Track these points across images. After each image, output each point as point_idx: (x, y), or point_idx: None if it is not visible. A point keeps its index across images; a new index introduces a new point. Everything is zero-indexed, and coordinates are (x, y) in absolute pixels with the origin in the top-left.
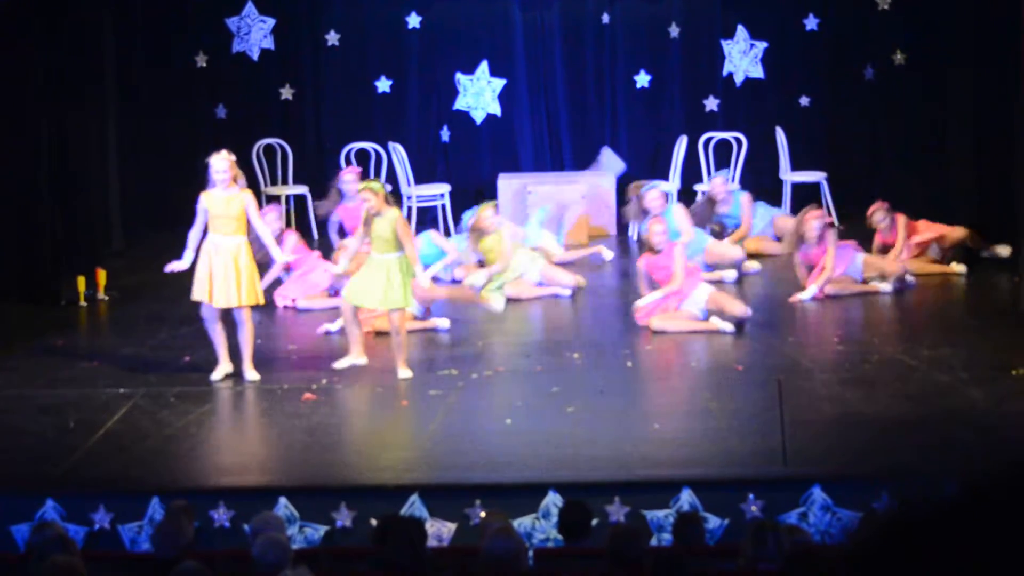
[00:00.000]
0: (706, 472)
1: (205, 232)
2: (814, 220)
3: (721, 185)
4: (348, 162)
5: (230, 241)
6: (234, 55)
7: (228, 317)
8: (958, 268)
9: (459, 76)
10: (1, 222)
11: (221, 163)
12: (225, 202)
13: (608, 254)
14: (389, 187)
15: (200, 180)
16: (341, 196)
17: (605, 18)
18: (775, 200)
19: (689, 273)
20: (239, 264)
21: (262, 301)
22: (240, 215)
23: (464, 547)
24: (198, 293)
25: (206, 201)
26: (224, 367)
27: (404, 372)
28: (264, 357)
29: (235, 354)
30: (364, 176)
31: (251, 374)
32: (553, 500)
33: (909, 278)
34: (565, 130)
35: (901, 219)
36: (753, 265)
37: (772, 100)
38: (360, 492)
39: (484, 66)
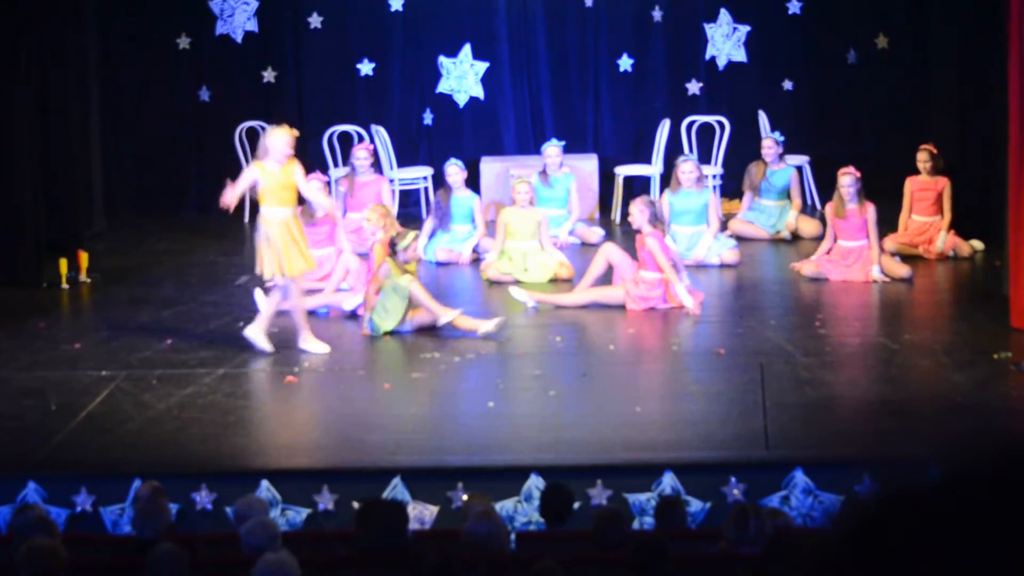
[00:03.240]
0: (688, 455)
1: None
2: (846, 176)
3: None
4: (331, 145)
5: (286, 212)
6: (217, 37)
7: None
8: (977, 245)
9: (442, 59)
10: None
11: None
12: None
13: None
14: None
15: (184, 163)
16: (353, 170)
17: (588, 1)
18: None
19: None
20: (295, 234)
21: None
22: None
23: (446, 530)
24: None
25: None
26: (314, 343)
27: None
28: (248, 339)
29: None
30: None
31: (316, 345)
32: (535, 483)
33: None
34: (548, 113)
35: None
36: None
37: (755, 84)
38: (342, 475)
39: (467, 49)
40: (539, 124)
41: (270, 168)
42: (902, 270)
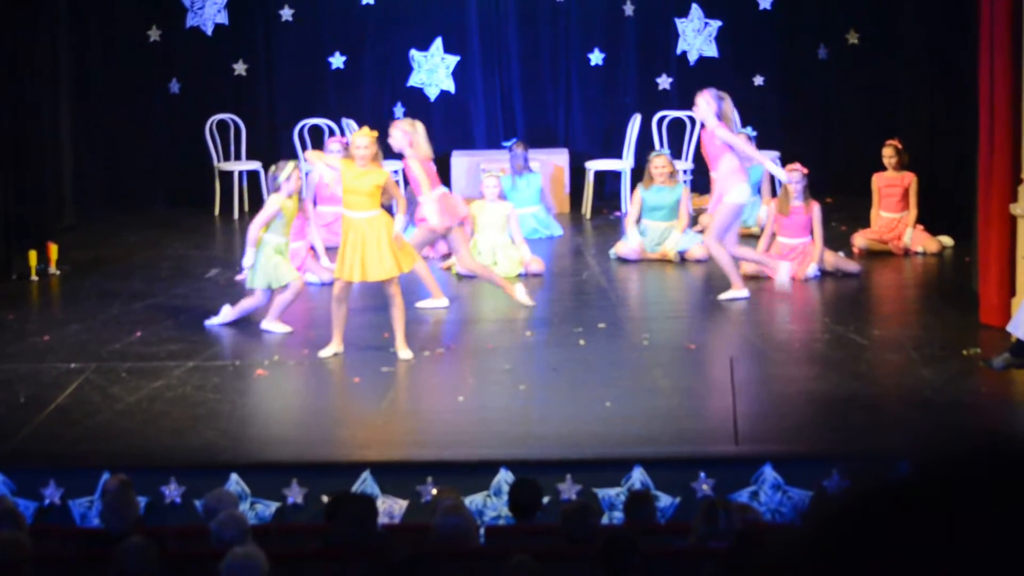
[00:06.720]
0: (658, 450)
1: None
2: (794, 172)
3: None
4: (301, 139)
5: (367, 216)
6: (188, 30)
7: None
8: (946, 240)
9: (413, 52)
10: None
11: (363, 139)
12: (363, 177)
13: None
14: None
15: (154, 156)
16: None
17: None
18: None
19: None
20: (381, 236)
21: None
22: (376, 191)
23: (415, 524)
24: (347, 272)
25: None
26: (336, 346)
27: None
28: (217, 332)
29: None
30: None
31: (404, 352)
32: (504, 478)
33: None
34: (519, 107)
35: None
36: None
37: (725, 79)
38: (311, 469)
39: (438, 43)
40: (510, 118)
41: (354, 171)
42: (851, 266)
